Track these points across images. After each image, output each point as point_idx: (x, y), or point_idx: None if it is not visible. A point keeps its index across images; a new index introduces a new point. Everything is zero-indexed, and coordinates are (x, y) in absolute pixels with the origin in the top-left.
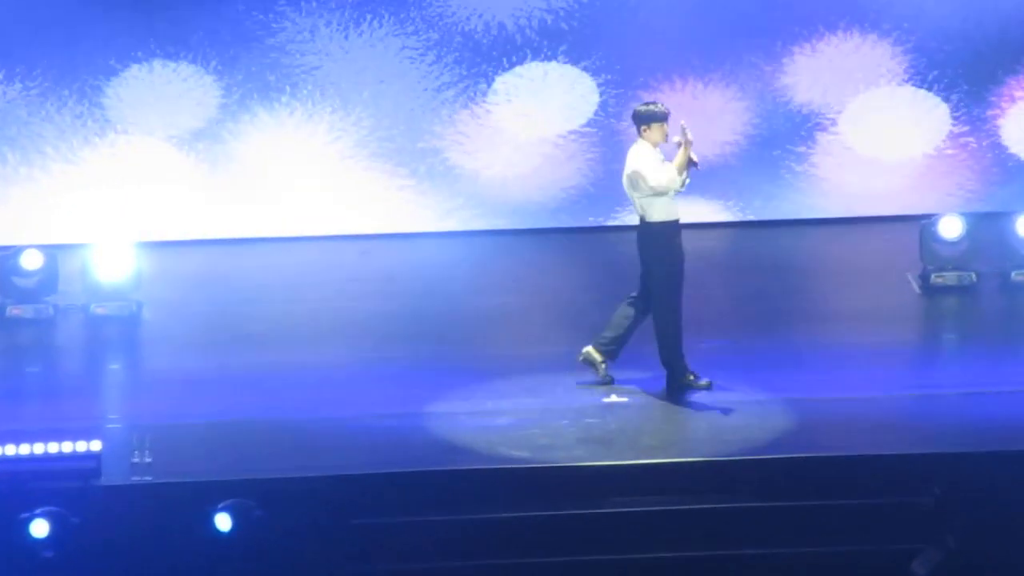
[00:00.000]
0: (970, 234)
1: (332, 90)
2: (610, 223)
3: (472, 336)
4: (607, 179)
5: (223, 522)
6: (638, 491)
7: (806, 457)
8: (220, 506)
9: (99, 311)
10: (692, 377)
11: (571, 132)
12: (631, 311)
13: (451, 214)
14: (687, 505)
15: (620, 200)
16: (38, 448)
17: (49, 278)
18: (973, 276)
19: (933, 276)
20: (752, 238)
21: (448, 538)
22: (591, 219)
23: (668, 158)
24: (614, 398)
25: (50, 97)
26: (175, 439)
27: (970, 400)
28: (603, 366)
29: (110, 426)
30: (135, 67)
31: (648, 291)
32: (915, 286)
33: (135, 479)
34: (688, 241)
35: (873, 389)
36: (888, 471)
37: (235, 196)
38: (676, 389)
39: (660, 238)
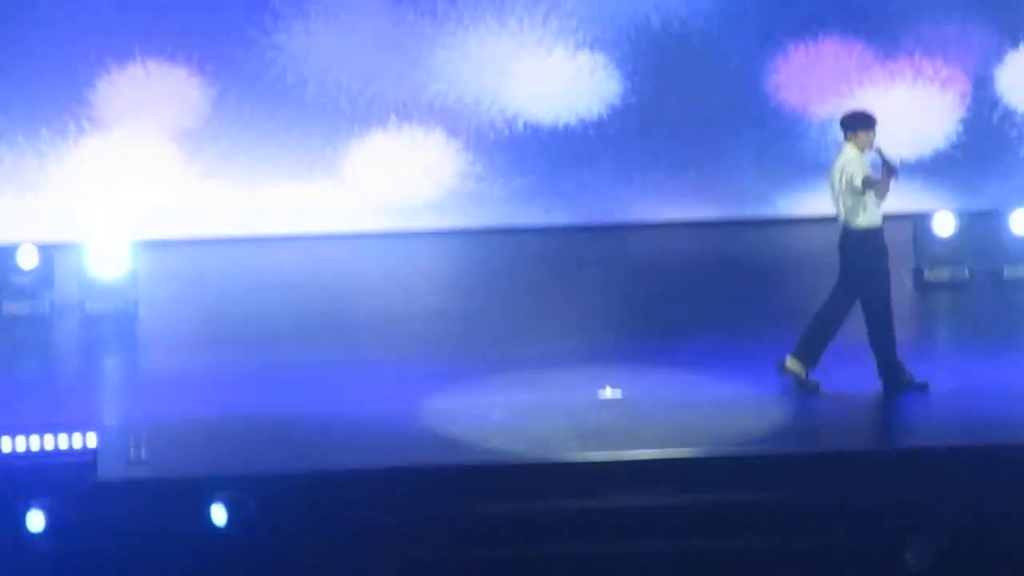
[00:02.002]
0: (963, 231)
1: (329, 90)
2: (608, 222)
3: (467, 332)
4: (608, 175)
5: (219, 517)
6: (633, 486)
7: (799, 452)
8: (216, 500)
9: (95, 309)
10: (909, 377)
11: (565, 125)
12: (826, 314)
13: (447, 212)
14: (682, 499)
15: (620, 198)
16: (35, 443)
17: (45, 276)
18: (966, 273)
19: (927, 273)
20: (746, 236)
21: (443, 533)
22: (584, 218)
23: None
24: (609, 393)
25: (45, 95)
26: (171, 435)
27: (963, 396)
28: (805, 373)
29: (106, 422)
30: (131, 65)
31: (843, 295)
32: (908, 283)
33: (131, 474)
34: (684, 240)
35: (866, 384)
36: (880, 465)
37: (230, 194)
38: (893, 390)
39: (862, 245)
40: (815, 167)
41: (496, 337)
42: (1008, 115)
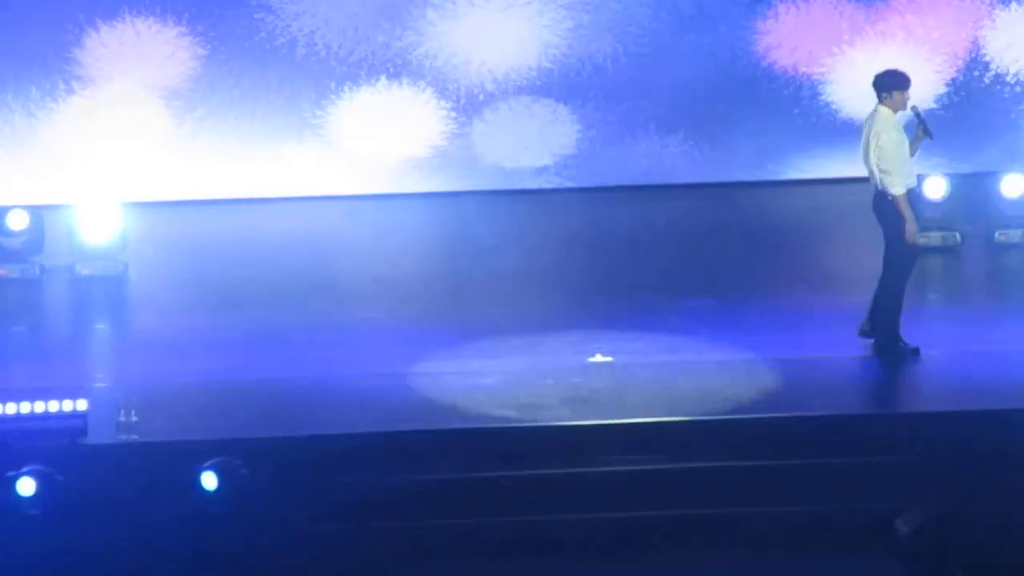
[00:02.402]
0: (954, 194)
1: (319, 50)
2: (598, 185)
3: (458, 296)
4: (598, 138)
5: (209, 481)
6: (623, 450)
7: (790, 417)
8: (206, 465)
9: (85, 271)
10: (902, 344)
11: (555, 87)
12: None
13: (437, 174)
14: (672, 464)
15: (610, 161)
16: (25, 407)
17: (35, 238)
18: (957, 236)
19: (918, 237)
20: (736, 199)
21: (432, 498)
22: (574, 181)
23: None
24: (599, 357)
25: (35, 57)
26: (161, 398)
27: (954, 360)
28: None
29: (96, 386)
30: (121, 25)
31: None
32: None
33: (121, 438)
34: (675, 202)
35: (857, 349)
36: (872, 430)
37: (221, 157)
38: (881, 354)
39: (895, 206)
40: (806, 130)
41: (486, 301)
42: (999, 77)
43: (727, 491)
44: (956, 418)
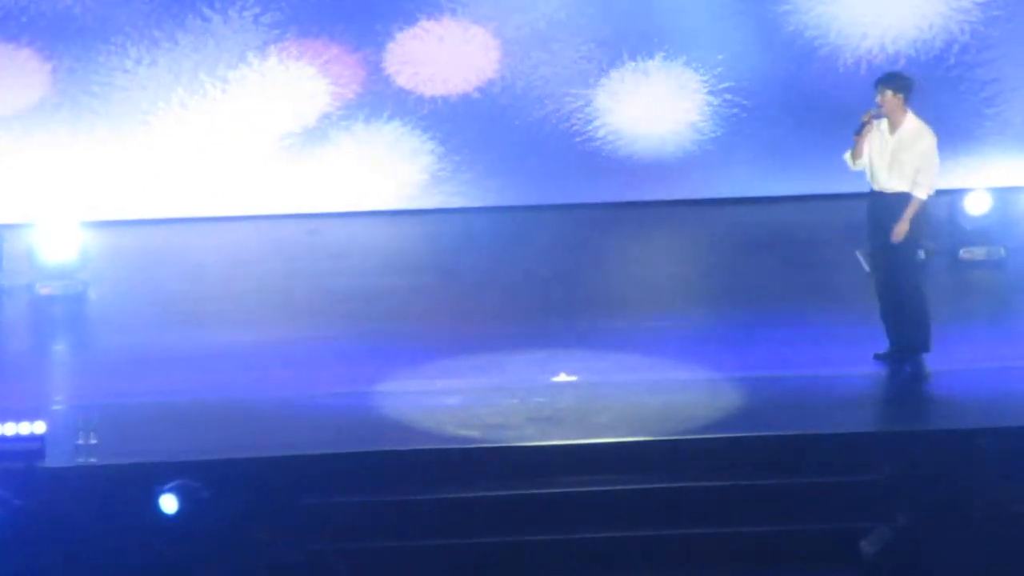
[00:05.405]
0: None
1: (281, 66)
2: (560, 202)
3: (421, 315)
4: (554, 156)
5: (169, 504)
6: (587, 471)
7: (755, 436)
8: (166, 488)
9: (44, 291)
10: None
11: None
12: None
13: (403, 192)
14: (637, 485)
15: (580, 179)
16: None
17: None
18: (922, 254)
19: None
20: (704, 215)
21: (396, 518)
22: (535, 198)
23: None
24: (563, 377)
25: None
26: (120, 420)
27: (919, 379)
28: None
29: (55, 407)
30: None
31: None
32: (864, 264)
33: (80, 461)
34: (643, 219)
35: (823, 367)
36: (838, 450)
37: (182, 174)
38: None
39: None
40: (779, 149)
41: (450, 319)
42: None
43: (691, 512)
44: (922, 437)
